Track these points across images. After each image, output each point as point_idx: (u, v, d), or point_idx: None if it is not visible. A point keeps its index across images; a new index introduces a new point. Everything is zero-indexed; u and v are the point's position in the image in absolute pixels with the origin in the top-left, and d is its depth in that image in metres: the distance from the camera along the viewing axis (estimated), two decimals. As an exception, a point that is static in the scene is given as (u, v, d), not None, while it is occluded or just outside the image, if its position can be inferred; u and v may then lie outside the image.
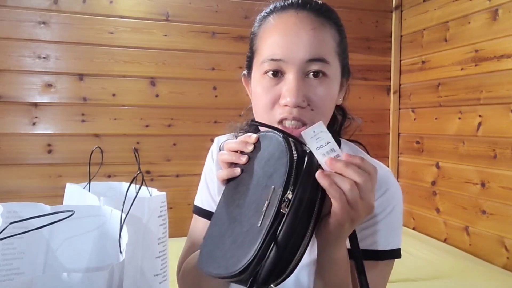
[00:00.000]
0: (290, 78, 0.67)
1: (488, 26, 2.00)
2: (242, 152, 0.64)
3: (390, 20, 2.67)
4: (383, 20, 2.67)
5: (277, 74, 0.69)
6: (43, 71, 2.12)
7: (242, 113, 0.92)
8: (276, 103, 0.68)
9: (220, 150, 0.85)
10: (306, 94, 0.67)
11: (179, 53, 2.31)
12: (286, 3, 0.71)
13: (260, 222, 0.53)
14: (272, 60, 0.68)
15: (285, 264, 0.52)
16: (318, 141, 0.56)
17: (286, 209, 0.52)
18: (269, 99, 0.69)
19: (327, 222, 0.57)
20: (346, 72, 0.75)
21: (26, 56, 2.10)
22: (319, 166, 0.56)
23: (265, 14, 0.74)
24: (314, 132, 0.56)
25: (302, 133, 0.57)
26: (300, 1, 0.70)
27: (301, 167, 0.55)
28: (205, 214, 0.86)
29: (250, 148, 0.63)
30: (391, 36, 2.66)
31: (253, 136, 0.63)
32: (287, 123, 0.67)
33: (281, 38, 0.68)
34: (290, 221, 0.51)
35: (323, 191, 0.55)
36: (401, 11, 2.64)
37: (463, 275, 1.74)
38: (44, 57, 2.12)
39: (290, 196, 0.52)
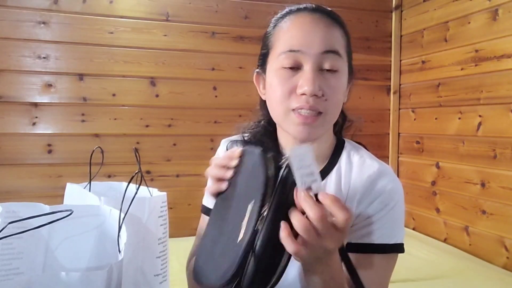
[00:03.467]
0: (307, 69, 0.72)
1: (488, 26, 2.00)
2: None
3: (390, 20, 2.67)
4: (383, 20, 2.67)
5: (294, 67, 0.73)
6: (43, 71, 2.12)
7: (251, 111, 0.94)
8: (293, 93, 0.73)
9: (227, 150, 0.88)
10: (320, 85, 0.72)
11: (179, 53, 2.31)
12: (300, 7, 0.78)
13: (240, 237, 0.55)
14: (291, 51, 0.73)
15: (265, 275, 0.54)
16: (301, 162, 0.55)
17: (261, 226, 0.53)
18: (286, 88, 0.73)
19: None
20: (351, 71, 0.80)
21: (26, 56, 2.10)
22: (291, 182, 0.56)
23: (280, 16, 0.80)
24: (301, 151, 0.55)
25: (291, 149, 0.56)
26: (313, 6, 0.78)
27: (276, 182, 0.56)
28: None
29: (234, 163, 0.65)
30: (391, 36, 2.66)
31: (236, 151, 0.66)
32: (303, 112, 0.72)
33: (298, 32, 0.74)
34: (265, 236, 0.53)
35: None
36: (401, 11, 2.64)
37: (463, 275, 1.74)
38: (44, 57, 2.12)
39: (265, 213, 0.54)
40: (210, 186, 0.69)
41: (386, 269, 0.77)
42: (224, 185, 0.66)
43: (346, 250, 0.68)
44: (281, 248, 0.54)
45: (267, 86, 0.79)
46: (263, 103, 0.84)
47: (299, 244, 0.54)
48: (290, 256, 0.55)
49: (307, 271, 0.62)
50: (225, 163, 0.66)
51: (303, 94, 0.71)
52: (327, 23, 0.74)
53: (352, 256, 0.70)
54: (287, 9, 0.80)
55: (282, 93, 0.73)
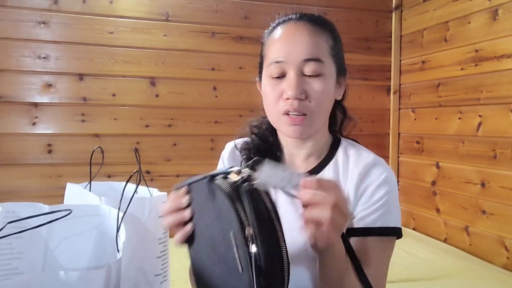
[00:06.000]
0: (290, 75, 0.79)
1: (488, 26, 2.00)
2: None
3: (390, 20, 2.67)
4: (383, 20, 2.67)
5: (281, 76, 0.81)
6: (43, 71, 2.12)
7: (252, 111, 1.01)
8: (280, 97, 0.81)
9: (236, 151, 0.94)
10: (304, 89, 0.79)
11: (179, 53, 2.31)
12: (287, 18, 0.86)
13: (239, 268, 0.54)
14: (276, 62, 0.80)
15: (278, 281, 0.54)
16: (275, 178, 0.57)
17: (254, 244, 0.52)
18: (275, 94, 0.81)
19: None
20: (342, 71, 0.86)
21: (26, 56, 2.10)
22: (253, 189, 0.56)
23: (272, 27, 0.88)
24: (264, 173, 0.57)
25: (260, 182, 0.57)
26: (298, 15, 0.84)
27: (241, 199, 0.55)
28: None
29: (185, 201, 0.63)
30: (391, 36, 2.66)
31: (181, 190, 0.64)
32: (291, 114, 0.79)
33: (283, 43, 0.81)
34: (266, 252, 0.52)
35: (273, 204, 0.56)
36: (401, 11, 2.64)
37: (463, 275, 1.74)
38: (44, 57, 2.12)
39: (251, 231, 0.53)
40: (175, 235, 0.64)
41: (384, 253, 0.81)
42: (189, 227, 0.63)
43: (345, 235, 0.74)
44: (281, 259, 0.54)
45: (262, 92, 0.87)
46: None
47: (331, 228, 0.57)
48: (289, 266, 0.55)
49: (327, 256, 0.68)
50: (176, 206, 0.64)
51: (288, 98, 0.78)
52: (310, 30, 0.80)
53: (350, 241, 0.76)
54: (277, 21, 0.87)
55: (272, 99, 0.81)
